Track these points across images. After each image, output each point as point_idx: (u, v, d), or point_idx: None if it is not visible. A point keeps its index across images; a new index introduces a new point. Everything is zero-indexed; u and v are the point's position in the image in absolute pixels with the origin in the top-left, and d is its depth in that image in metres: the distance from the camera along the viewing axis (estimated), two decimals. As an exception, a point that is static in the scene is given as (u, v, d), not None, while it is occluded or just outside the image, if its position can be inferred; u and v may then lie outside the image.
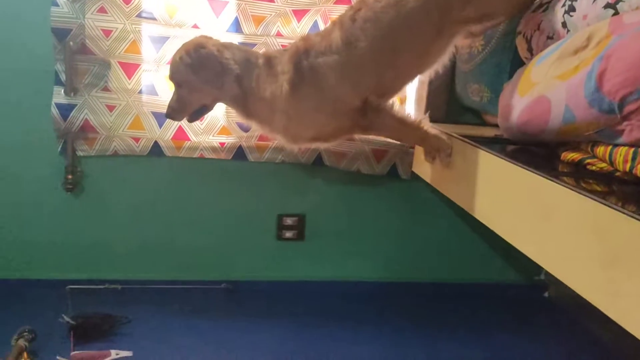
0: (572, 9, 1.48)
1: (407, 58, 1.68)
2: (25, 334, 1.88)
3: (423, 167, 2.04)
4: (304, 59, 1.61)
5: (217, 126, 2.28)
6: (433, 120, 1.85)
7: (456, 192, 1.77)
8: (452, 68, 2.24)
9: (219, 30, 2.19)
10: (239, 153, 2.34)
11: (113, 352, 1.85)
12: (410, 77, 1.79)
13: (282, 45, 2.21)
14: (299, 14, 2.24)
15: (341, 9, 2.13)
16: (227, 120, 2.27)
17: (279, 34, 2.24)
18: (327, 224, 2.56)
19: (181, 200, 2.41)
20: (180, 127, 2.26)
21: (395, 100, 1.80)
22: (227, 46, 1.67)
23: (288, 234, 2.53)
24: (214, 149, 2.31)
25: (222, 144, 2.30)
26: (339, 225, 2.57)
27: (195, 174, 2.38)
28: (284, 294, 2.48)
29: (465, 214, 2.31)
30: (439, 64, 1.75)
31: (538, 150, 1.58)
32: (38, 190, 2.29)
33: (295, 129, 1.70)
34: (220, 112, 2.25)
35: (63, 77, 2.14)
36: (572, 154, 1.41)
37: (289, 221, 2.52)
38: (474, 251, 2.67)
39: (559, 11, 1.55)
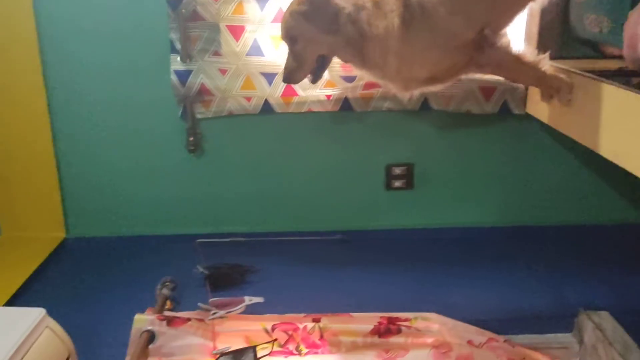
0: None
1: None
2: (167, 283, 2.04)
3: (538, 107, 1.97)
4: None
5: (323, 80, 2.31)
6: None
7: (578, 130, 1.69)
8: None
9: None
10: (345, 104, 2.37)
11: (247, 298, 1.96)
12: (522, 4, 1.70)
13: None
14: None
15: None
16: (330, 74, 2.30)
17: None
18: (435, 171, 2.54)
19: (293, 154, 2.50)
20: (288, 83, 2.32)
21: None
22: None
23: (397, 184, 2.55)
24: (321, 102, 2.36)
25: (328, 96, 2.34)
26: (448, 171, 2.55)
27: (305, 128, 2.45)
28: (396, 242, 2.52)
29: (583, 153, 2.21)
30: None
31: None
32: (166, 154, 2.47)
33: (408, 70, 1.67)
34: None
35: (178, 45, 2.26)
36: None
37: (397, 171, 2.53)
38: (595, 191, 2.54)
39: None
